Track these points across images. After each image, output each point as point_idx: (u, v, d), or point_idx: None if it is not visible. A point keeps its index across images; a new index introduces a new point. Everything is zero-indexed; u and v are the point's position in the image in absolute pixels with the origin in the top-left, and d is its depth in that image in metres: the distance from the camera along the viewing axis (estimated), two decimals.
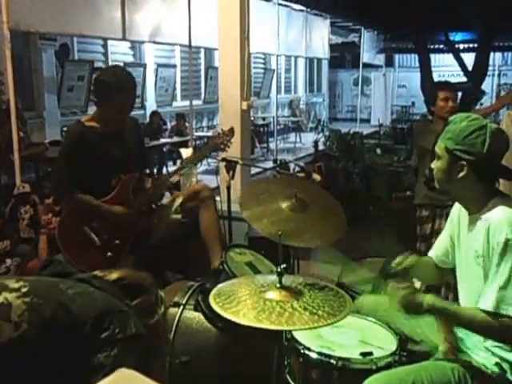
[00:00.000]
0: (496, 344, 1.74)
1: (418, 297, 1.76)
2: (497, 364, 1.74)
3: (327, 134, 10.78)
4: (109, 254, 2.78)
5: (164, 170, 8.54)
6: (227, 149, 3.05)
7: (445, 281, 2.46)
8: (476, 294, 1.79)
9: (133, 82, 2.86)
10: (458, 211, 1.97)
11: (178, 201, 3.05)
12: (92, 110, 8.80)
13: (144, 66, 9.44)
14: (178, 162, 8.65)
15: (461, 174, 1.76)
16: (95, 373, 1.17)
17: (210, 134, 10.44)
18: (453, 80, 13.67)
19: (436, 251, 2.08)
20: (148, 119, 9.15)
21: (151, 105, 9.86)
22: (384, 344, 1.89)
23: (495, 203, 1.76)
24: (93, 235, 2.80)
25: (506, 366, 1.74)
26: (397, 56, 17.87)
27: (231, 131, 3.08)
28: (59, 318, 1.21)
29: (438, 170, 1.83)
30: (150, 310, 1.39)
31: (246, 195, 2.50)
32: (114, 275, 1.41)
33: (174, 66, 10.36)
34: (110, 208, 2.80)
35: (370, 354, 1.82)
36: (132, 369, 1.03)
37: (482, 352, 1.79)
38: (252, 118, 9.66)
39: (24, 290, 1.23)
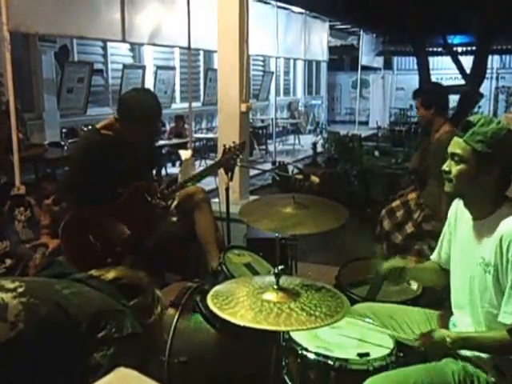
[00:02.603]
0: None
1: (439, 337, 1.75)
2: (495, 366, 1.75)
3: (326, 136, 10.80)
4: (109, 260, 2.78)
5: (163, 172, 8.54)
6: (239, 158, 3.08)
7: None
8: (474, 298, 1.80)
9: (158, 113, 2.88)
10: (454, 214, 1.97)
11: (174, 203, 3.07)
12: (91, 111, 8.78)
13: (143, 67, 9.45)
14: (178, 163, 8.67)
15: (488, 178, 1.73)
16: (92, 372, 1.18)
17: (209, 135, 10.47)
18: (451, 83, 13.75)
19: (439, 255, 2.09)
20: None
21: None
22: (381, 345, 1.90)
23: (504, 210, 1.74)
24: (95, 241, 2.80)
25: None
26: (395, 59, 17.90)
27: (242, 146, 3.09)
28: (55, 317, 1.22)
29: (461, 174, 1.76)
30: (147, 310, 1.39)
31: (245, 208, 2.51)
32: (110, 275, 1.41)
33: (174, 68, 10.37)
34: (110, 224, 2.80)
35: (367, 354, 1.82)
36: (129, 368, 1.04)
37: (481, 355, 1.79)
38: (251, 120, 9.68)
39: (20, 290, 1.24)
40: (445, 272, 2.07)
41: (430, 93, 3.83)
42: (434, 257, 2.13)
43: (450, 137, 3.99)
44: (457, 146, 1.77)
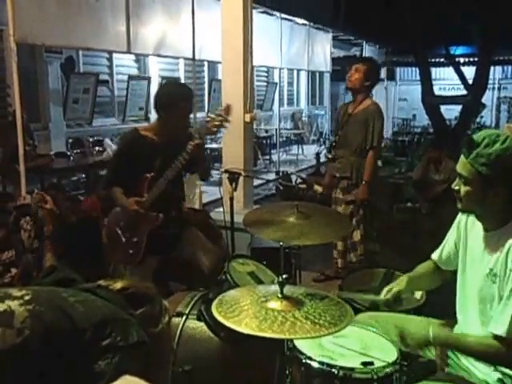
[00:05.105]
0: None
1: (423, 336, 1.78)
2: (499, 380, 1.75)
3: (329, 146, 10.82)
4: (130, 251, 2.92)
5: None
6: (226, 124, 2.96)
7: None
8: (484, 307, 1.80)
9: (192, 92, 3.20)
10: (465, 219, 1.95)
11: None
12: (97, 122, 8.84)
13: (148, 78, 9.51)
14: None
15: (497, 198, 1.71)
16: (96, 380, 1.18)
17: (213, 146, 10.51)
18: (453, 93, 13.79)
19: (441, 254, 2.09)
20: None
21: (155, 117, 9.92)
22: (385, 354, 1.91)
23: None
24: (121, 234, 2.97)
25: (508, 381, 1.74)
26: (398, 69, 17.99)
27: (227, 109, 2.95)
28: (60, 324, 1.22)
29: (469, 195, 1.74)
30: (155, 320, 1.40)
31: (249, 216, 2.53)
32: (118, 285, 1.42)
33: (178, 79, 10.45)
34: (125, 200, 2.92)
35: (371, 363, 1.83)
36: (134, 376, 1.05)
37: (484, 367, 1.79)
38: (255, 130, 9.72)
39: (27, 297, 1.24)
40: (440, 272, 2.10)
41: (376, 67, 4.05)
42: (434, 256, 2.14)
43: (377, 109, 4.05)
44: (462, 166, 1.75)
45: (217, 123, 2.90)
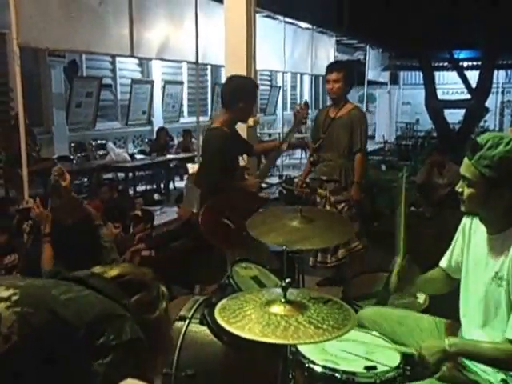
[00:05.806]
0: None
1: (439, 346, 1.73)
2: (503, 380, 1.74)
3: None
4: (244, 233, 2.99)
5: (171, 186, 8.58)
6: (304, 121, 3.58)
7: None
8: (488, 311, 1.79)
9: (252, 85, 3.49)
10: (469, 223, 1.95)
11: None
12: (100, 126, 8.80)
13: (151, 82, 9.54)
14: (185, 177, 8.70)
15: (500, 200, 1.71)
16: (90, 382, 1.14)
17: None
18: (457, 97, 13.77)
19: (449, 262, 2.07)
20: (155, 135, 9.22)
21: (158, 121, 9.95)
22: (388, 358, 1.90)
23: None
24: (229, 222, 3.16)
25: (511, 381, 1.73)
26: (401, 73, 17.99)
27: (306, 104, 3.59)
28: (51, 327, 1.17)
29: (472, 197, 1.75)
30: (151, 306, 1.36)
31: (252, 220, 2.53)
32: (113, 272, 1.35)
33: (181, 83, 10.46)
34: (245, 183, 3.30)
35: (374, 368, 1.82)
36: (129, 376, 1.03)
37: (488, 368, 1.77)
38: (258, 134, 9.72)
39: (14, 298, 1.18)
40: (450, 280, 2.07)
41: (351, 69, 4.12)
42: (442, 264, 2.11)
43: (360, 113, 4.17)
44: (466, 168, 1.75)
45: (300, 117, 3.44)
